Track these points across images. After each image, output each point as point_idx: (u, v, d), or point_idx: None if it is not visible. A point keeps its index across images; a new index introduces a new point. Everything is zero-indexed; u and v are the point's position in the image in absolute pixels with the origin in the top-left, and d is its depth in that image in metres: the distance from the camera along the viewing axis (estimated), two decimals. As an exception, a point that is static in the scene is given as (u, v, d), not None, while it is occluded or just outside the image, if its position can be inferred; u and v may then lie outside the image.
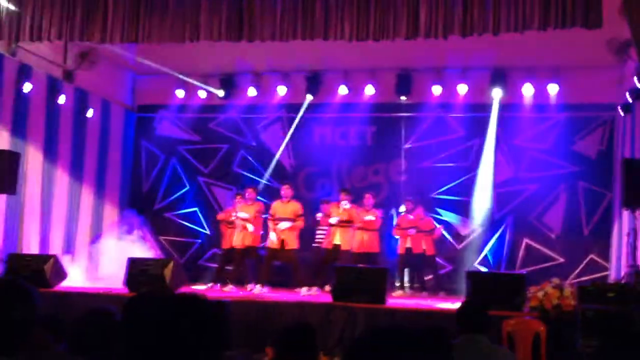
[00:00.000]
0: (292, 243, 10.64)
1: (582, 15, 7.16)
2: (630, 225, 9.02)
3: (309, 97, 12.91)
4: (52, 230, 11.58)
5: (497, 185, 12.47)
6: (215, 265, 12.14)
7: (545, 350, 7.22)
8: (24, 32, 8.75)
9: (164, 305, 1.85)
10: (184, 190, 13.81)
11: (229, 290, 10.64)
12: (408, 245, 11.43)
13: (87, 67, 11.80)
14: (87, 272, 11.56)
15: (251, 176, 13.40)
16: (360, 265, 9.89)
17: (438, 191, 12.69)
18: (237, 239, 11.08)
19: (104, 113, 12.93)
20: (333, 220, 10.87)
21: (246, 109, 13.44)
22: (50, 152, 11.46)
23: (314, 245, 11.62)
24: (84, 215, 12.40)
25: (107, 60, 12.10)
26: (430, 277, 11.78)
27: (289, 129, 13.34)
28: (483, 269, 12.03)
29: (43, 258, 9.81)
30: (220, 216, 12.01)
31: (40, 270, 9.35)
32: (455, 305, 5.32)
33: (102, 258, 11.86)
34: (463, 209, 12.60)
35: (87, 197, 12.48)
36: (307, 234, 11.39)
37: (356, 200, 11.33)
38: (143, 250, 11.61)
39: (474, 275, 9.04)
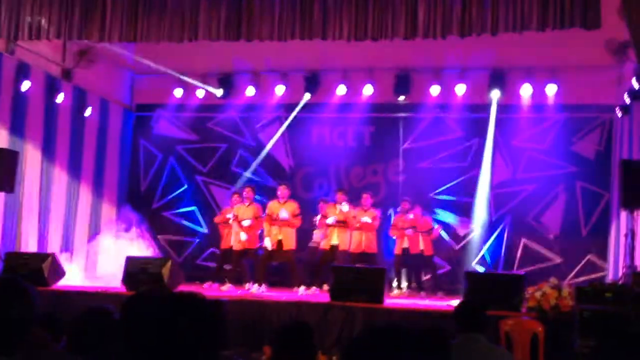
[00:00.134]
0: (290, 243, 10.63)
1: (581, 16, 7.16)
2: (628, 225, 9.04)
3: (307, 96, 12.91)
4: (50, 228, 11.57)
5: (495, 186, 12.48)
6: (213, 265, 12.14)
7: (543, 351, 7.23)
8: (22, 31, 8.74)
9: (162, 304, 1.85)
10: (182, 189, 13.81)
11: (227, 290, 10.64)
12: (405, 245, 11.43)
13: (85, 66, 11.80)
14: (85, 271, 11.57)
15: (249, 175, 13.40)
16: (358, 265, 9.89)
17: (436, 191, 12.69)
18: (235, 239, 11.07)
19: (103, 112, 12.92)
20: (330, 220, 10.86)
21: (244, 108, 13.44)
22: (48, 151, 11.45)
23: (310, 245, 11.63)
24: (82, 214, 12.40)
25: (105, 59, 12.09)
26: (428, 277, 11.79)
27: (287, 129, 13.34)
28: (481, 269, 12.05)
29: (41, 256, 9.80)
30: (218, 219, 11.95)
31: (38, 268, 9.34)
32: (453, 305, 5.32)
33: (100, 257, 11.85)
34: (461, 209, 12.61)
35: (85, 195, 12.48)
36: (304, 235, 11.38)
37: (354, 200, 11.33)
38: (141, 248, 11.61)
39: (472, 275, 9.06)
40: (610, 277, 10.81)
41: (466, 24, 7.59)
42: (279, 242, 10.56)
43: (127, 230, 12.20)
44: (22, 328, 2.29)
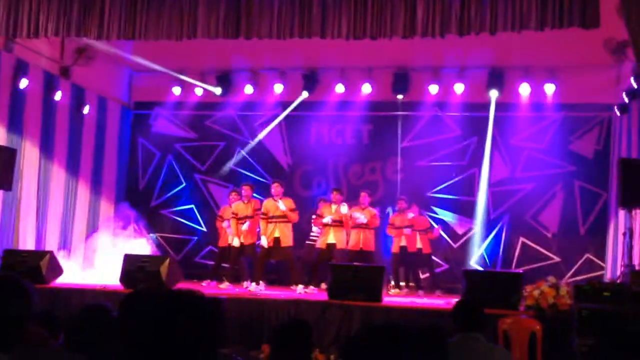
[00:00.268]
0: (287, 240, 10.56)
1: (580, 15, 7.17)
2: (627, 224, 9.03)
3: (305, 94, 12.90)
4: (48, 226, 11.57)
5: (494, 184, 12.49)
6: (211, 263, 12.13)
7: (541, 349, 7.23)
8: (20, 28, 8.73)
9: (160, 302, 1.85)
10: (180, 188, 13.80)
11: (225, 288, 10.63)
12: (403, 243, 11.42)
13: (83, 64, 11.79)
14: (83, 269, 11.55)
15: (248, 174, 13.40)
16: (356, 263, 9.88)
17: (434, 190, 12.70)
18: (231, 239, 11.03)
19: (101, 110, 12.91)
20: (327, 219, 10.82)
21: (243, 106, 13.44)
22: (46, 149, 11.44)
23: (307, 242, 11.61)
24: (80, 211, 12.39)
25: (103, 57, 12.08)
26: (426, 275, 11.80)
27: (286, 127, 13.34)
28: (479, 268, 12.06)
29: (39, 254, 9.78)
30: (219, 223, 11.90)
31: (36, 266, 9.33)
32: (452, 303, 5.32)
33: (97, 254, 11.84)
34: (459, 207, 12.62)
35: (83, 193, 12.47)
36: (300, 232, 11.37)
37: (352, 198, 11.32)
38: (139, 245, 11.59)
39: (470, 274, 9.05)
40: (608, 276, 10.82)
41: (465, 22, 7.60)
42: (276, 240, 10.47)
43: (124, 227, 12.20)
44: (19, 325, 2.29)
